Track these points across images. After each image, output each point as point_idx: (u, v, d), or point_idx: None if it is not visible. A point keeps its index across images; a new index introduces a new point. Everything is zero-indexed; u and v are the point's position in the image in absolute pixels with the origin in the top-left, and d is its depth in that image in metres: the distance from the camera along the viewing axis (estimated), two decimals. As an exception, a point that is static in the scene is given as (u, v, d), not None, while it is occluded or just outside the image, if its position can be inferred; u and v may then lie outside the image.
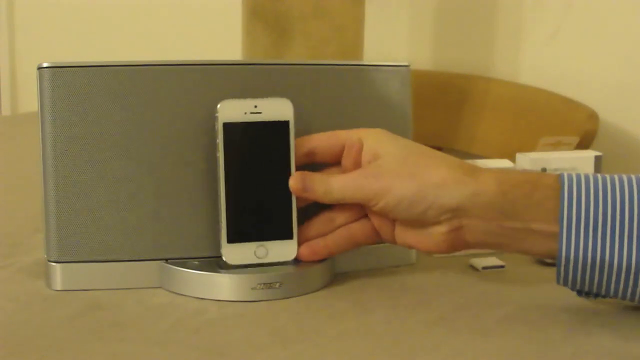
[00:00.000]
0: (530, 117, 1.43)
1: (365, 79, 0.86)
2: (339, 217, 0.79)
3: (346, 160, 0.78)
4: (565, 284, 0.72)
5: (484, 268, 0.88)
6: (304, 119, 0.82)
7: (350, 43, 1.39)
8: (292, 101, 0.80)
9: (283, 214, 0.79)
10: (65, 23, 2.35)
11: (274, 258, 0.78)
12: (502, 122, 1.47)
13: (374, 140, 0.77)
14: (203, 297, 0.78)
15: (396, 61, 0.89)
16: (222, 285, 0.78)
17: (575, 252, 0.69)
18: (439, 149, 1.61)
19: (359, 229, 0.79)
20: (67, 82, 0.78)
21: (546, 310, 0.77)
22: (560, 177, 0.70)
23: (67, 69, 0.78)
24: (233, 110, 0.78)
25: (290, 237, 0.78)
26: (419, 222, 0.74)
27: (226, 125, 0.77)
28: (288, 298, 0.78)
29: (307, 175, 0.78)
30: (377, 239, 0.80)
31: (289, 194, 0.78)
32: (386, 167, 0.75)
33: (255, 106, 0.78)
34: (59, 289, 0.79)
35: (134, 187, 0.79)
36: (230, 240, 0.77)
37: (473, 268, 0.89)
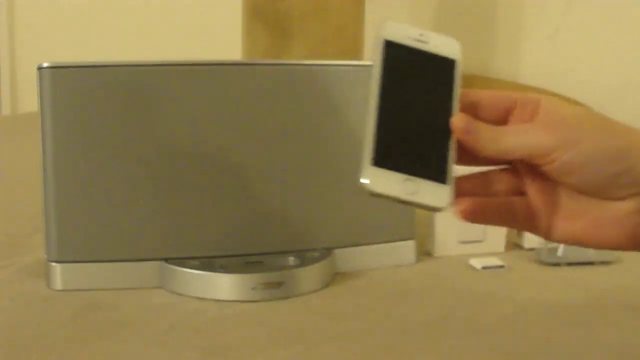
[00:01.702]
0: (530, 117, 1.43)
1: (365, 79, 0.86)
2: (498, 181, 0.65)
3: (517, 119, 0.65)
4: None
5: (484, 268, 0.88)
6: (304, 119, 0.82)
7: (350, 43, 1.39)
8: (292, 101, 0.80)
9: (438, 154, 0.66)
10: (65, 23, 2.35)
11: (424, 199, 0.64)
12: (502, 122, 1.47)
13: (550, 102, 0.64)
14: (203, 297, 0.78)
15: (396, 61, 0.88)
16: (222, 285, 0.78)
17: None
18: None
19: (520, 204, 0.64)
20: (67, 82, 0.78)
21: (546, 310, 0.77)
22: None
23: (68, 69, 0.78)
24: (397, 31, 0.68)
25: (443, 181, 0.65)
26: (601, 192, 0.60)
27: (388, 43, 0.68)
28: (288, 298, 0.78)
29: (471, 119, 0.65)
30: (532, 224, 0.64)
31: (447, 134, 0.66)
32: (573, 120, 0.61)
33: (421, 35, 0.71)
34: (59, 289, 0.79)
35: (134, 187, 0.79)
36: (376, 163, 0.64)
37: (473, 268, 0.89)
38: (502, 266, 0.89)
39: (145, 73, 0.80)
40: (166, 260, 0.80)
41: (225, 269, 0.79)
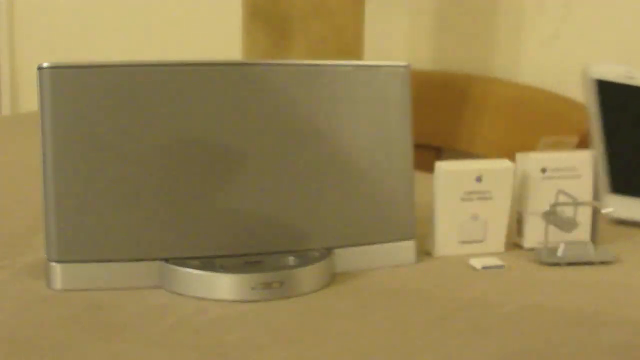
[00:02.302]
0: (530, 117, 1.43)
1: (365, 79, 0.86)
2: None
3: None
4: None
5: (484, 268, 0.88)
6: (304, 119, 0.82)
7: (350, 43, 1.39)
8: (292, 101, 0.80)
9: None
10: (65, 23, 2.35)
11: None
12: (502, 122, 1.47)
13: None
14: (203, 297, 0.78)
15: (396, 61, 0.89)
16: (222, 285, 0.78)
17: None
18: (439, 148, 1.61)
19: None
20: (67, 82, 0.78)
21: (546, 310, 0.77)
22: None
23: (68, 69, 0.78)
24: (605, 70, 0.74)
25: None
26: None
27: (600, 83, 0.72)
28: (288, 298, 0.78)
29: None
30: None
31: None
32: None
33: (628, 71, 0.75)
34: (59, 289, 0.79)
35: (134, 187, 0.79)
36: (615, 191, 0.70)
37: (473, 268, 0.89)
38: (502, 266, 0.89)
39: (145, 73, 0.80)
40: (166, 260, 0.80)
41: (225, 269, 0.79)
